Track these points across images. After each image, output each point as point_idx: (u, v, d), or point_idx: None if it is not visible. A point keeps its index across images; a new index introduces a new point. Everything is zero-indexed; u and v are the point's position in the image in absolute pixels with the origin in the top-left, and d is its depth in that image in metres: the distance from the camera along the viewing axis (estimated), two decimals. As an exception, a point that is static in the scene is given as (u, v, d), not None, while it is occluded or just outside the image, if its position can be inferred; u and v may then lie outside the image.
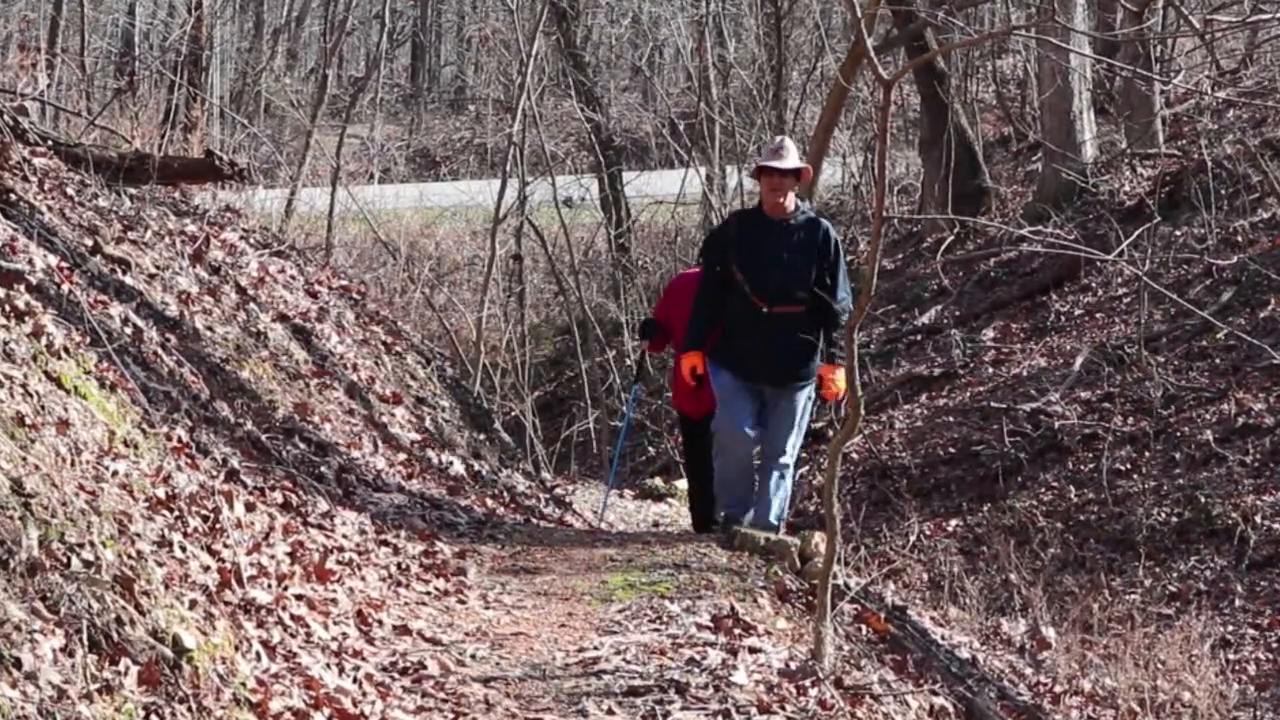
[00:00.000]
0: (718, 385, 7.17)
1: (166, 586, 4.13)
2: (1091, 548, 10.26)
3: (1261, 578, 9.41)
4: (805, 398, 7.19)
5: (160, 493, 4.93)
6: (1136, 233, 11.32)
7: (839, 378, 7.00)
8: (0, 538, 3.61)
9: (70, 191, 7.88)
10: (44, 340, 5.18)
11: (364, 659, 4.77)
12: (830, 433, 11.91)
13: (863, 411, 5.73)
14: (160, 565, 4.30)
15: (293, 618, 4.77)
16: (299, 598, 4.96)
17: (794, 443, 7.19)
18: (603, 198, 20.30)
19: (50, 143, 8.35)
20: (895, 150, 19.75)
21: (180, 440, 5.71)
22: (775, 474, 7.12)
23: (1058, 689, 7.11)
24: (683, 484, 10.11)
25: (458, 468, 8.42)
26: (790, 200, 7.10)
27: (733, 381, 7.14)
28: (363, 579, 5.60)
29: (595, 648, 5.10)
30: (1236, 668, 8.34)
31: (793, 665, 5.08)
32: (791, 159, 7.12)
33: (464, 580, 5.99)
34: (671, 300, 7.83)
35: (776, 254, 7.04)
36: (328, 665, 4.57)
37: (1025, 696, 6.92)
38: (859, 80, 15.62)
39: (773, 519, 7.08)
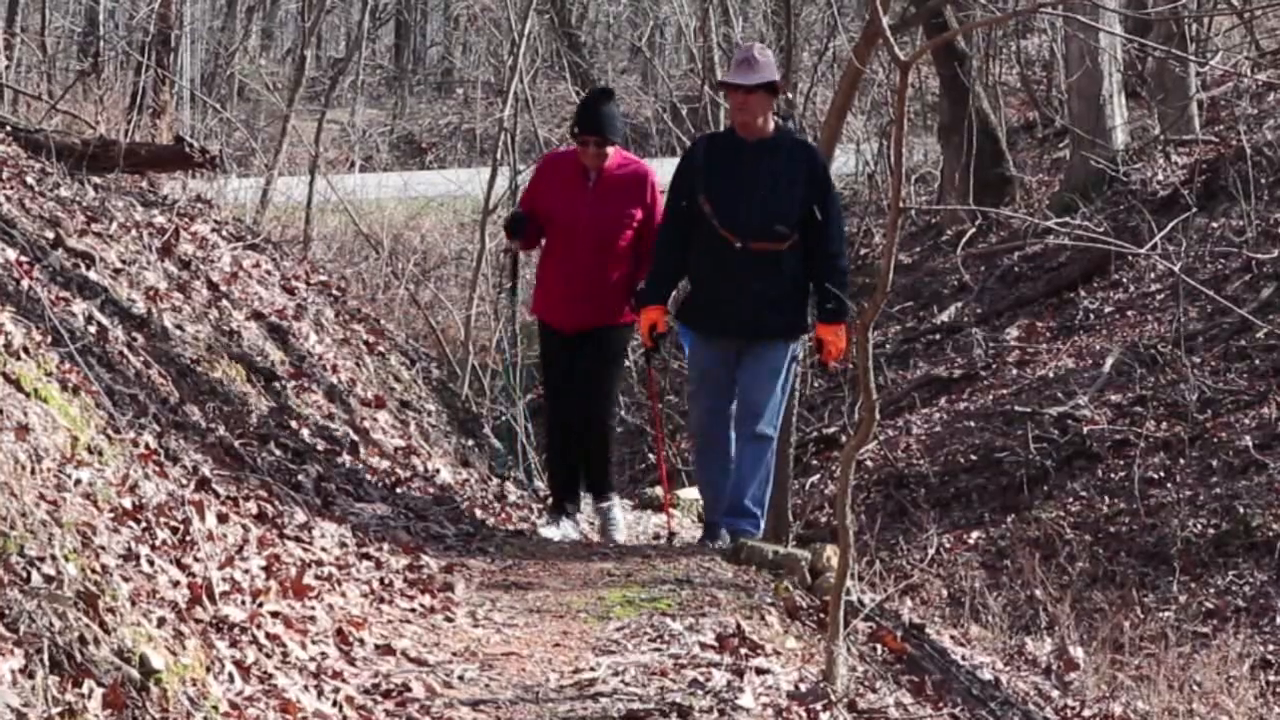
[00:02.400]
0: (691, 361, 6.80)
1: (133, 603, 4.13)
2: (1122, 561, 10.26)
3: (1304, 593, 9.43)
4: (787, 356, 6.65)
5: (126, 503, 4.93)
6: (1170, 225, 11.34)
7: (840, 335, 6.60)
8: (-45, 551, 3.61)
9: (30, 181, 7.88)
10: (1, 340, 5.18)
11: (344, 680, 4.77)
12: (843, 439, 11.93)
13: (878, 416, 5.72)
14: (126, 580, 4.30)
15: (268, 636, 4.77)
16: (275, 615, 4.95)
17: (773, 407, 6.65)
18: (600, 187, 20.29)
19: (8, 128, 8.36)
20: (913, 136, 19.75)
21: (148, 446, 5.71)
22: (751, 447, 6.65)
23: (1086, 713, 7.11)
24: (688, 493, 10.05)
25: (445, 476, 8.41)
26: (766, 120, 6.54)
27: (707, 354, 6.68)
28: (343, 595, 5.59)
29: (592, 668, 5.10)
30: (1278, 690, 8.34)
31: (803, 687, 5.08)
32: (762, 72, 6.49)
33: (451, 596, 5.99)
34: (541, 185, 7.46)
35: (751, 180, 6.48)
36: (306, 687, 4.56)
37: (1051, 720, 6.93)
38: (874, 61, 15.62)
39: (748, 502, 6.66)
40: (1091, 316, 14.02)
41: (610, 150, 7.24)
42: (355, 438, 7.97)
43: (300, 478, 6.79)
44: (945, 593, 9.22)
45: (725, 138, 6.74)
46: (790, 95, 14.09)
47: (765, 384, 6.60)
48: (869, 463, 12.45)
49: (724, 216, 6.48)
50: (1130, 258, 13.99)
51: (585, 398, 7.45)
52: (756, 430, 6.62)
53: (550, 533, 7.44)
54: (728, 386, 6.67)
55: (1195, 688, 7.52)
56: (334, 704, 4.50)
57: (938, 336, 14.89)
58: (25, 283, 6.22)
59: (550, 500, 7.81)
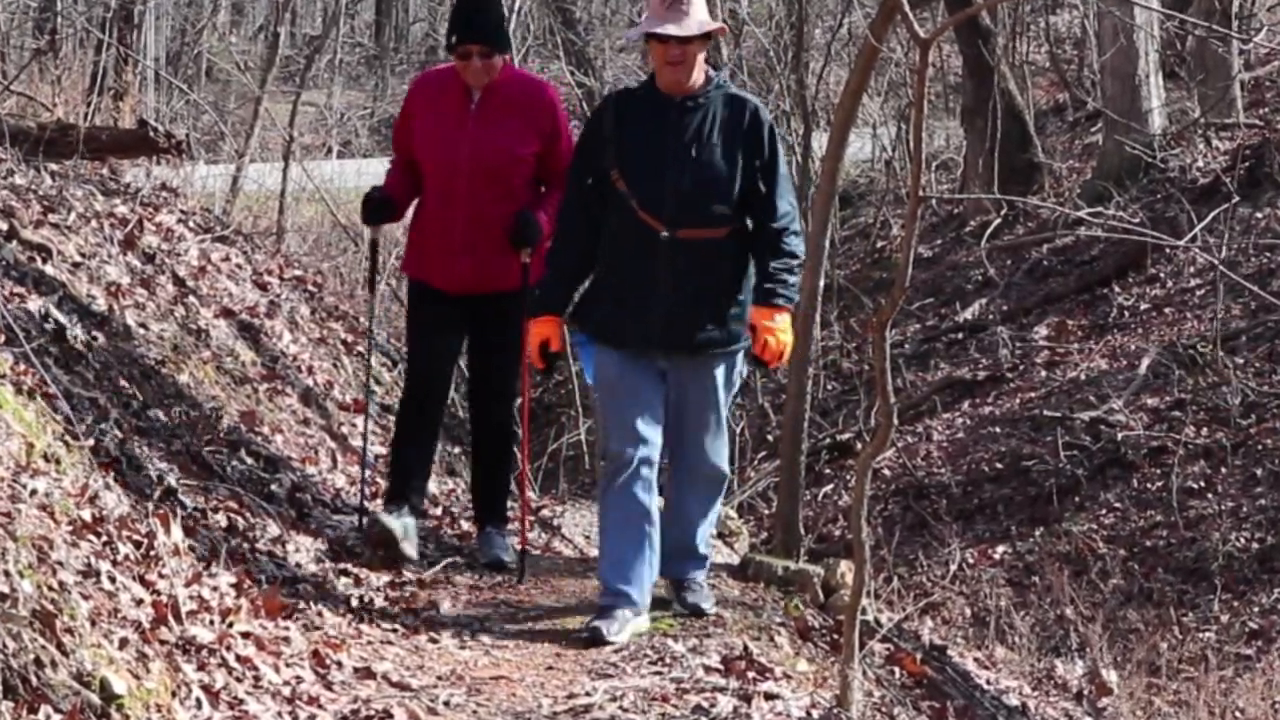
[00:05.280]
0: (598, 378, 5.75)
1: (93, 623, 4.13)
2: (1159, 578, 10.27)
3: (1356, 613, 9.43)
4: (728, 373, 5.73)
5: (86, 515, 4.93)
6: (1211, 215, 11.33)
7: (781, 326, 5.61)
8: (-99, 567, 3.61)
9: (-18, 167, 7.89)
10: (-48, 339, 5.18)
11: (321, 706, 4.77)
12: (858, 446, 11.93)
13: (895, 421, 5.70)
14: (86, 598, 4.30)
15: (239, 659, 4.77)
16: (246, 636, 4.96)
17: (723, 437, 5.81)
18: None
19: (-42, 111, 8.37)
20: (934, 120, 19.74)
21: (109, 454, 5.71)
22: (700, 491, 5.88)
23: (1121, 741, 7.12)
24: None
25: (430, 486, 8.41)
26: (698, 72, 5.56)
27: (620, 367, 5.63)
28: (319, 614, 5.60)
29: (587, 693, 5.10)
30: (1327, 716, 8.35)
31: (815, 713, 5.08)
32: (698, 14, 5.52)
33: (436, 616, 5.99)
34: (413, 113, 6.41)
35: (678, 149, 5.51)
36: (279, 713, 4.57)
37: (1083, 750, 6.94)
38: (892, 39, 15.62)
39: (699, 544, 5.92)
40: (1126, 314, 14.03)
41: (498, 63, 6.26)
42: (333, 444, 7.97)
43: (273, 488, 6.79)
44: (968, 612, 9.22)
45: (643, 95, 5.67)
46: (801, 76, 14.11)
47: (707, 411, 5.70)
48: (886, 472, 12.46)
49: (644, 196, 5.48)
50: (1168, 251, 13.99)
51: (478, 392, 6.60)
52: (706, 471, 5.80)
53: (391, 520, 6.37)
54: (653, 398, 5.66)
55: (1238, 714, 7.53)
56: (309, 732, 4.51)
57: (960, 336, 14.89)
58: (-23, 278, 6.23)
59: (387, 493, 6.71)
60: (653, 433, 5.65)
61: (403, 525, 6.39)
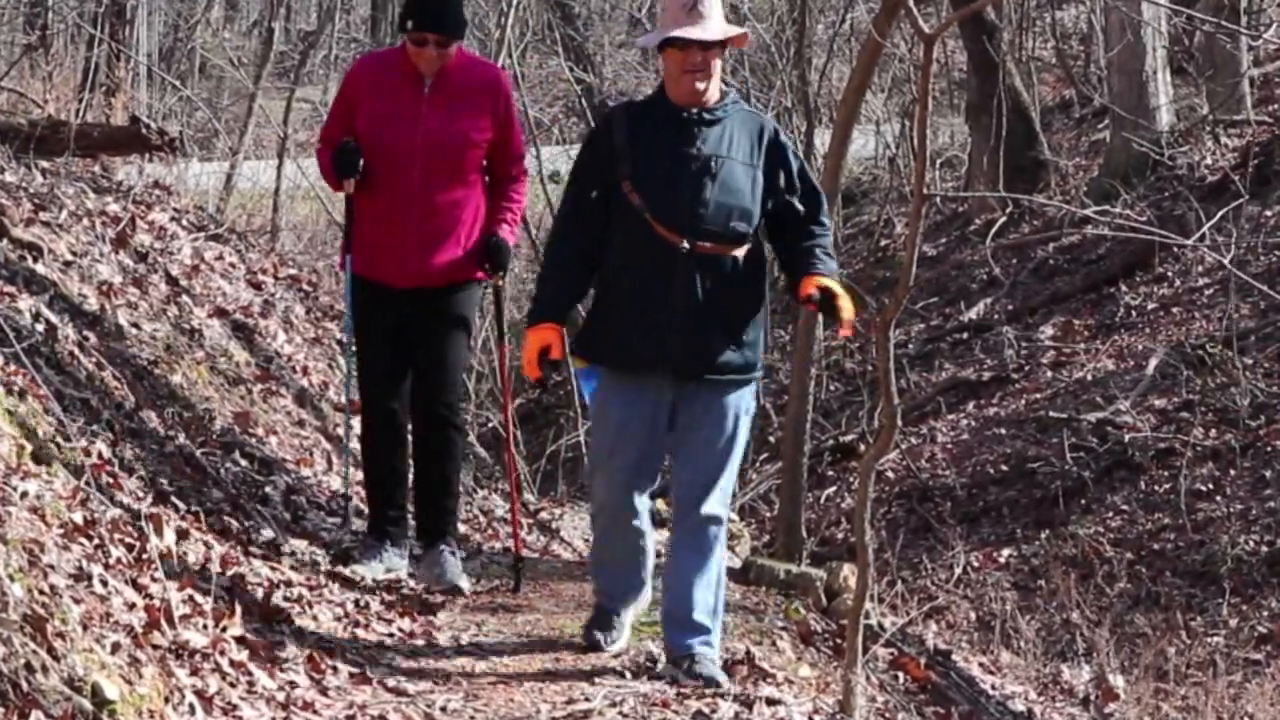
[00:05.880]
0: (598, 414, 5.50)
1: (85, 627, 4.13)
2: (1167, 582, 10.26)
3: (1366, 617, 9.44)
4: (743, 406, 5.38)
5: (77, 517, 4.93)
6: (1220, 214, 11.32)
7: (848, 294, 5.33)
8: (-110, 570, 3.61)
9: (-28, 165, 7.89)
10: (-59, 339, 5.19)
11: (316, 712, 4.77)
12: (862, 447, 11.93)
13: (899, 423, 5.71)
14: (77, 602, 4.30)
15: (232, 664, 4.77)
16: (240, 641, 4.96)
17: (729, 475, 5.38)
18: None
19: (-52, 108, 8.37)
20: (938, 116, 19.75)
21: (101, 456, 5.71)
22: (696, 537, 5.35)
23: (1128, 747, 7.13)
24: None
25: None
26: (715, 83, 5.32)
27: (626, 400, 5.34)
28: (314, 618, 5.60)
29: (586, 699, 5.11)
30: (1337, 722, 8.35)
31: (817, 719, 5.08)
32: (719, 21, 5.28)
33: (433, 620, 5.99)
34: (355, 98, 6.19)
35: (700, 163, 5.27)
36: (273, 719, 4.57)
37: (1090, 756, 6.94)
38: (895, 35, 15.62)
39: (698, 617, 5.33)
40: (1134, 314, 14.02)
41: (453, 51, 6.09)
42: (328, 446, 7.97)
43: (268, 490, 6.79)
44: (973, 616, 9.22)
45: (654, 108, 5.40)
46: (803, 72, 14.11)
47: (717, 445, 5.31)
48: (890, 474, 12.46)
49: (661, 209, 5.22)
50: (1176, 250, 13.99)
51: (421, 386, 6.23)
52: (704, 511, 5.32)
53: (368, 570, 6.13)
54: (652, 450, 5.37)
55: (1247, 720, 7.53)
56: (304, 738, 4.51)
57: (965, 336, 14.88)
58: (-34, 277, 6.23)
59: (369, 523, 6.41)
60: (648, 483, 5.45)
61: (385, 568, 6.16)
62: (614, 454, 5.36)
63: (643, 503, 5.40)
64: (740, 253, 5.28)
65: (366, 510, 6.47)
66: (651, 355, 5.25)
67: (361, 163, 6.06)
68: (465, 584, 6.25)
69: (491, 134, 6.13)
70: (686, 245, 5.20)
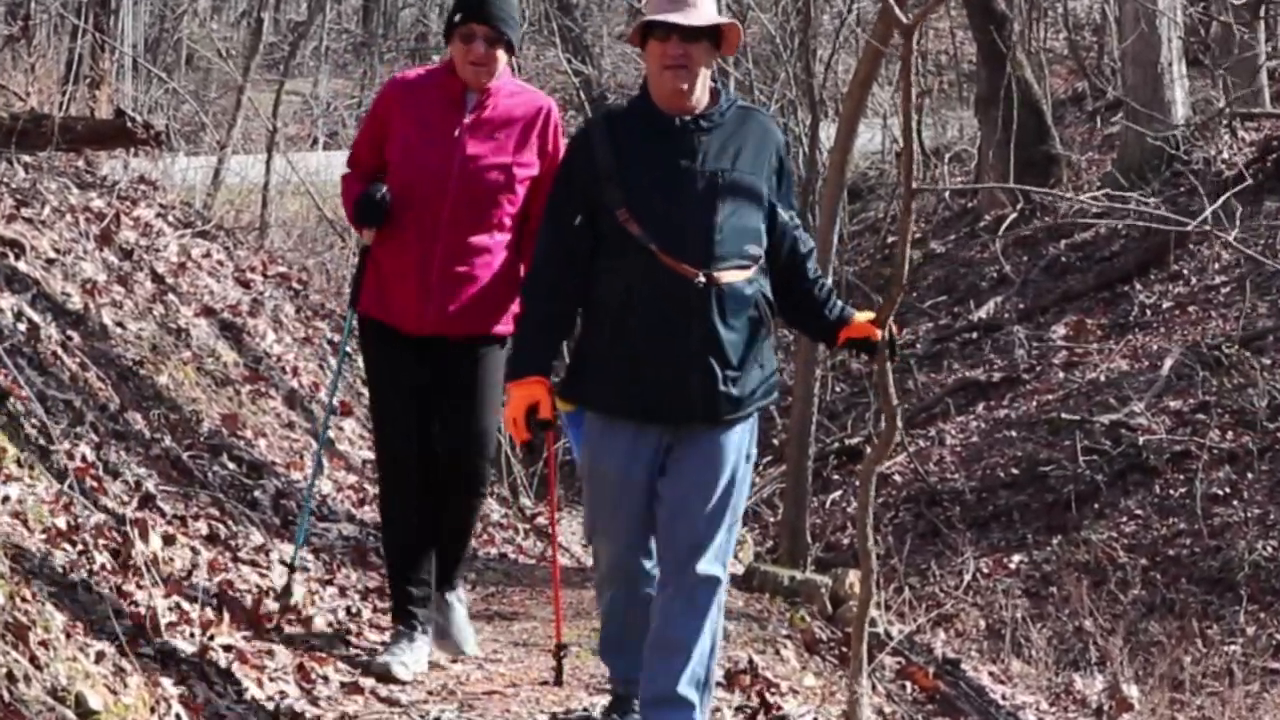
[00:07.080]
0: (595, 470, 4.81)
1: (68, 635, 4.13)
2: (1182, 589, 10.27)
3: (1388, 625, 9.44)
4: (748, 442, 4.83)
5: (60, 522, 4.93)
6: (1223, 198, 11.32)
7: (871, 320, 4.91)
8: None
9: (-48, 160, 7.90)
10: (-79, 339, 5.19)
11: (306, 723, 4.78)
12: (867, 450, 11.93)
13: (901, 425, 5.70)
14: (61, 610, 4.30)
15: (220, 672, 4.78)
16: (228, 649, 4.96)
17: (728, 528, 4.76)
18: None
19: (-72, 101, 8.37)
20: (947, 110, 19.78)
21: (85, 459, 5.71)
22: (689, 598, 4.68)
23: (1142, 759, 7.13)
24: None
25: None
26: (701, 87, 4.72)
27: (625, 452, 4.72)
28: (305, 626, 5.60)
29: (585, 709, 5.11)
30: (1357, 733, 8.36)
31: (822, 730, 5.08)
32: (705, 9, 4.70)
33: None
34: (389, 119, 5.56)
35: (703, 179, 4.68)
36: (262, 730, 4.57)
37: (1103, 768, 6.95)
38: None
39: (682, 690, 4.65)
40: (1148, 312, 14.03)
41: (502, 58, 5.52)
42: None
43: (256, 494, 6.80)
44: (983, 624, 9.22)
45: (639, 116, 4.80)
46: (808, 64, 14.10)
47: (717, 492, 4.71)
48: (897, 477, 12.46)
49: (669, 240, 4.62)
50: (1191, 246, 14.00)
51: (447, 450, 5.60)
52: (699, 569, 4.67)
53: (404, 672, 5.39)
54: (652, 501, 4.76)
55: (1264, 731, 7.54)
56: (294, 749, 4.52)
57: (975, 335, 14.89)
58: (-53, 275, 6.24)
59: (392, 606, 5.72)
60: (650, 540, 4.82)
61: (415, 662, 5.47)
62: (618, 508, 4.75)
63: (653, 566, 4.80)
64: (754, 273, 4.72)
65: (389, 591, 5.83)
66: (664, 400, 4.67)
67: (387, 210, 5.48)
68: (471, 647, 5.78)
69: (536, 170, 5.51)
70: (703, 279, 4.61)
